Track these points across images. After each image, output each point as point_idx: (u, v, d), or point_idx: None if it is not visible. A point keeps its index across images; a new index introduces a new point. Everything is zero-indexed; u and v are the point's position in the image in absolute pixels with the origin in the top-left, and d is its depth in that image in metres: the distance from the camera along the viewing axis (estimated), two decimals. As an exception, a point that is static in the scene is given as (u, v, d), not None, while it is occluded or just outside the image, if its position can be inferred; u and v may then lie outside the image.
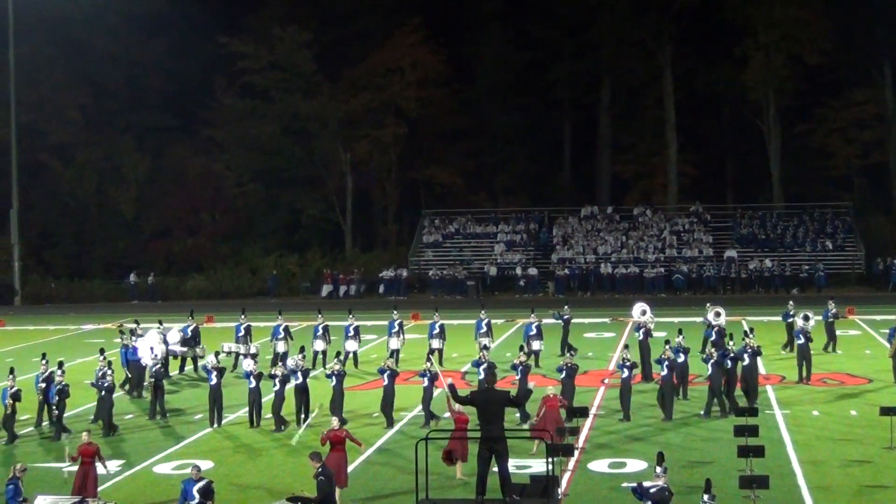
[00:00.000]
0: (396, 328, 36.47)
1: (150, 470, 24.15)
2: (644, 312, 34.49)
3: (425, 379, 27.41)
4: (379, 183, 73.47)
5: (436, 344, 36.15)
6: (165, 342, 34.59)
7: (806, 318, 33.10)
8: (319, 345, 36.36)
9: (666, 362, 27.93)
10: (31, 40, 67.01)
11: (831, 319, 37.68)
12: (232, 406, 29.74)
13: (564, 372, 27.96)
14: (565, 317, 37.86)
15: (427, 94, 72.13)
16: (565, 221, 67.59)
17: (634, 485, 17.88)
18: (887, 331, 34.36)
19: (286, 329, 36.48)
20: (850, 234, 64.03)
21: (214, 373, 28.32)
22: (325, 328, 36.59)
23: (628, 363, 28.03)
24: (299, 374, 27.88)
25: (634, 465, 23.36)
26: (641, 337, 33.06)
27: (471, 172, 74.40)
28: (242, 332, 36.73)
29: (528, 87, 74.42)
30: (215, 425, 28.12)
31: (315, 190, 72.24)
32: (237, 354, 35.96)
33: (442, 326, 36.48)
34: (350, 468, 22.19)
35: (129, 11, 70.99)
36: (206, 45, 69.82)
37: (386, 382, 27.58)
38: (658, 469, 17.87)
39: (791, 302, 39.43)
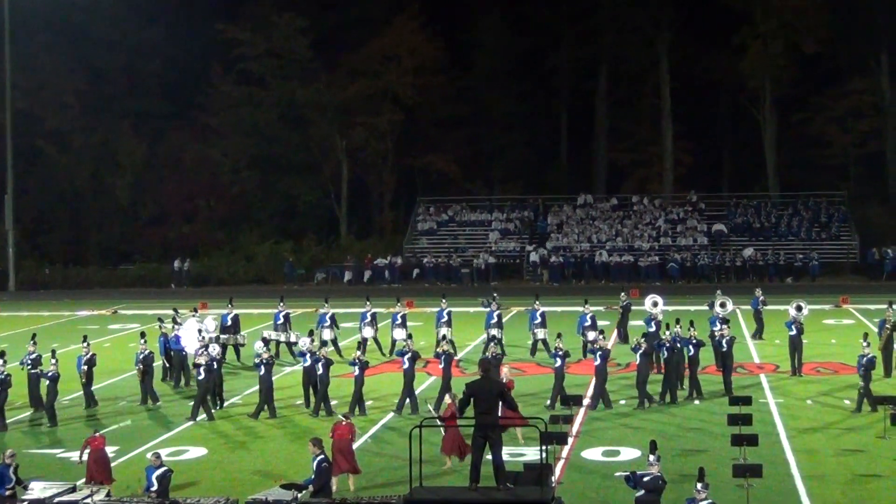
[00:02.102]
0: (445, 317, 35.98)
1: (143, 456, 24.11)
2: (656, 304, 34.35)
3: (355, 368, 27.35)
4: (375, 170, 73.39)
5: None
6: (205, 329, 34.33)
7: (798, 309, 33.05)
8: (368, 332, 36.12)
9: (599, 351, 27.84)
10: (29, 25, 66.83)
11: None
12: (231, 391, 29.94)
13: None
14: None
15: (424, 81, 71.88)
16: (560, 209, 67.53)
17: (628, 473, 17.92)
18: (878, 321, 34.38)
19: (332, 317, 35.91)
20: (844, 224, 63.98)
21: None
22: (374, 315, 36.46)
23: (560, 352, 28.04)
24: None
25: (628, 453, 23.41)
26: (654, 329, 32.66)
27: (467, 160, 74.17)
28: (281, 320, 36.36)
29: (526, 74, 74.29)
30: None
31: (311, 177, 72.13)
32: (277, 343, 35.83)
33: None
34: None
35: (127, -3, 70.96)
36: (204, 31, 69.64)
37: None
38: (651, 457, 17.90)
39: (758, 289, 39.54)
